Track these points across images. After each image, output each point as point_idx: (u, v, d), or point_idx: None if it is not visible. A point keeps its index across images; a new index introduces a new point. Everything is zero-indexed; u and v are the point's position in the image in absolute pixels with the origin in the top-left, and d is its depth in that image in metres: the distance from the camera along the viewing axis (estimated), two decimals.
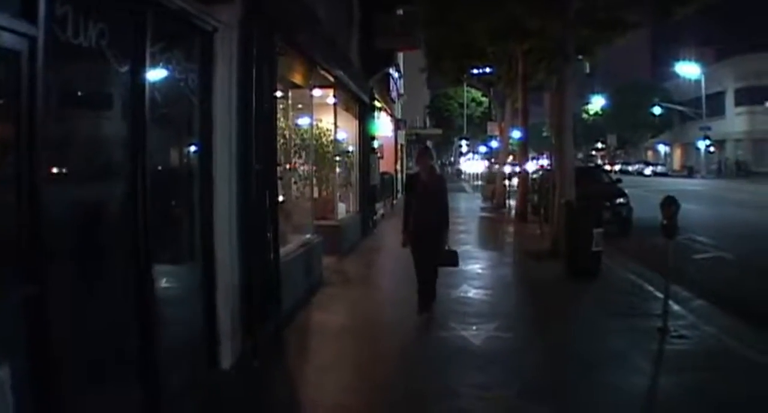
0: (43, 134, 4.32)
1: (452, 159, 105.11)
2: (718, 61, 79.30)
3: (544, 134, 67.80)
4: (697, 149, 76.23)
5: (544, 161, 57.54)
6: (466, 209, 31.90)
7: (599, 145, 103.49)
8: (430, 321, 10.16)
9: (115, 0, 5.60)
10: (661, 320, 9.42)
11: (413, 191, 10.61)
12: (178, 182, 7.41)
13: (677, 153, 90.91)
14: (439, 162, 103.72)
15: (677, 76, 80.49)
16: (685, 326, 9.57)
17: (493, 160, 46.18)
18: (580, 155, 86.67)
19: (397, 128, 36.98)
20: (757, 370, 7.89)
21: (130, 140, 5.83)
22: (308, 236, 13.07)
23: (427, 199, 10.38)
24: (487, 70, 35.44)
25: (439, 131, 65.28)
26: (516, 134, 33.55)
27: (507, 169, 34.34)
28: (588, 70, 29.30)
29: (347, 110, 19.46)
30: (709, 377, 7.62)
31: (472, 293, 12.22)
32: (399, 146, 40.83)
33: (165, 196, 6.95)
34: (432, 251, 10.43)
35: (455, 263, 10.97)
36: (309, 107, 13.96)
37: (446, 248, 10.70)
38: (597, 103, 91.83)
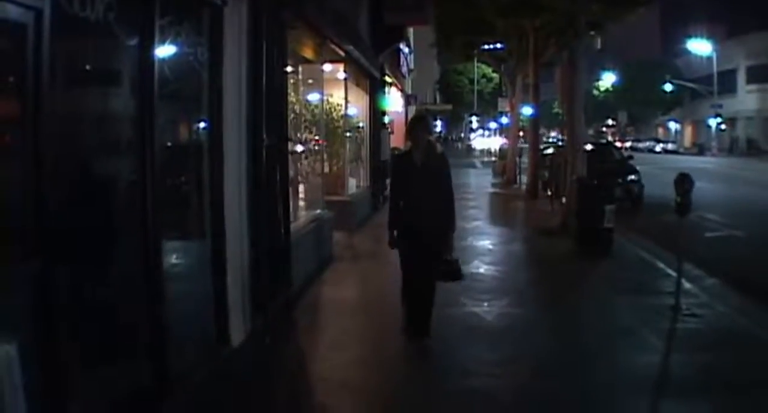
0: (48, 109, 4.24)
1: (462, 135, 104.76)
2: (730, 38, 78.59)
3: (555, 110, 67.57)
4: (708, 126, 75.76)
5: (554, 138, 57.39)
6: (476, 185, 31.87)
7: (610, 122, 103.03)
8: (428, 351, 7.92)
9: None
10: (674, 298, 9.36)
11: (403, 178, 7.99)
12: (187, 158, 7.35)
13: (688, 131, 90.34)
14: (449, 137, 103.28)
15: (688, 53, 79.84)
16: (697, 304, 9.52)
17: (505, 136, 45.98)
18: (590, 132, 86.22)
19: (407, 103, 36.88)
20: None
21: (139, 115, 5.75)
22: (319, 211, 13.04)
23: (423, 189, 7.68)
24: (498, 46, 35.19)
25: (449, 107, 65.13)
26: (527, 110, 33.42)
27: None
28: (599, 47, 29.11)
29: (358, 85, 19.36)
30: (721, 356, 7.58)
31: (483, 269, 12.17)
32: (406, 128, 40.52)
33: (174, 172, 6.90)
34: (427, 262, 7.80)
35: (458, 277, 8.13)
36: (319, 82, 13.88)
37: (447, 258, 7.99)
38: (608, 79, 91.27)
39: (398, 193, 8.07)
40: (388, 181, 24.27)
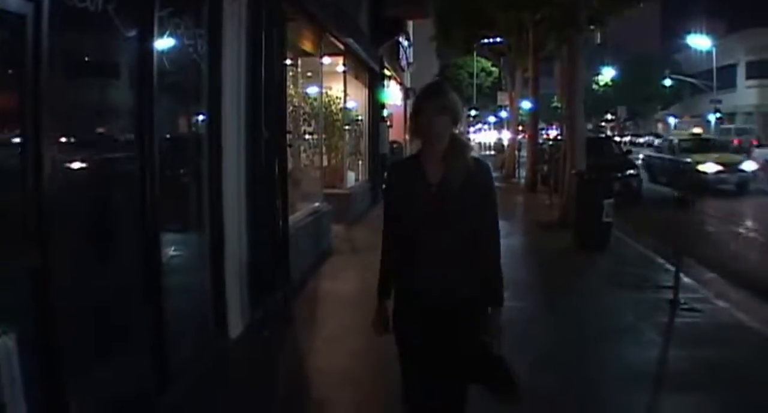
0: (47, 100, 4.23)
1: (461, 128, 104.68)
2: (730, 33, 78.47)
3: (554, 104, 67.51)
4: (708, 121, 75.76)
5: (553, 132, 57.34)
6: None
7: (609, 116, 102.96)
8: None
9: None
10: (672, 292, 9.36)
11: (406, 206, 4.27)
12: (186, 150, 7.35)
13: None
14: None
15: (688, 48, 79.74)
16: (696, 299, 9.51)
17: (502, 130, 46.08)
18: (589, 126, 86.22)
19: (406, 96, 36.77)
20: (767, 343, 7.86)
21: (137, 107, 5.74)
22: (317, 204, 13.03)
23: (442, 227, 4.15)
24: (498, 39, 35.16)
25: None
26: (526, 104, 33.43)
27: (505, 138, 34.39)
28: (599, 41, 29.12)
29: (357, 78, 19.35)
30: (720, 350, 7.58)
31: None
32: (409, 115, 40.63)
33: (173, 164, 6.89)
34: (452, 356, 4.22)
35: (510, 389, 4.37)
36: (318, 75, 13.87)
37: (488, 348, 4.32)
38: (607, 74, 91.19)
39: (396, 232, 4.29)
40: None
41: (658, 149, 31.01)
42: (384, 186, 5.05)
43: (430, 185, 4.15)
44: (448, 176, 4.14)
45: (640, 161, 24.61)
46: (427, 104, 4.13)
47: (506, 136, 35.21)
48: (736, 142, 41.85)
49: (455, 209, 4.14)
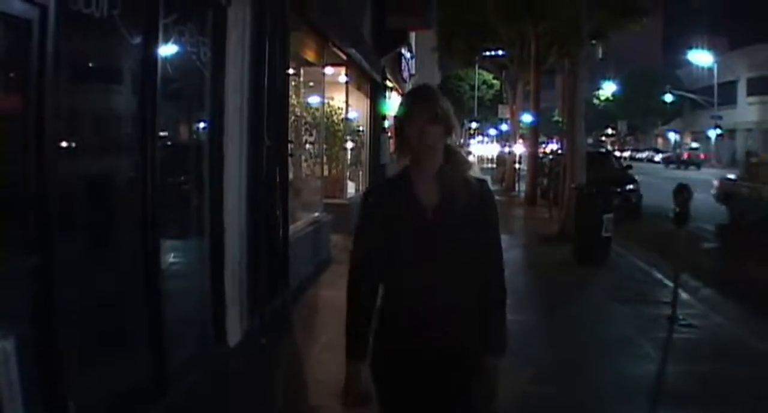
0: (52, 105, 4.25)
1: (462, 141, 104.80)
2: (731, 50, 78.69)
3: (555, 118, 67.66)
4: (708, 137, 75.92)
5: (554, 146, 57.45)
6: None
7: (609, 131, 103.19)
8: None
9: None
10: (671, 308, 9.37)
11: (388, 233, 3.41)
12: (188, 157, 7.36)
13: (687, 141, 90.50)
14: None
15: (689, 63, 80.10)
16: (694, 315, 9.52)
17: (505, 143, 46.15)
18: (590, 141, 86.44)
19: None
20: (765, 360, 7.87)
21: (141, 113, 5.76)
22: (317, 214, 13.04)
23: (436, 259, 3.38)
24: (500, 52, 35.27)
25: None
26: (527, 117, 33.51)
27: (518, 151, 34.31)
28: (601, 55, 29.18)
29: (359, 88, 19.37)
30: (717, 366, 7.58)
31: None
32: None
33: (175, 170, 6.91)
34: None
35: None
36: (321, 85, 13.88)
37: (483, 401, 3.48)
38: (608, 88, 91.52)
39: (374, 272, 3.47)
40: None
41: (738, 177, 21.74)
42: (361, 214, 3.55)
43: (424, 209, 3.37)
44: (447, 198, 3.38)
45: (714, 191, 22.09)
46: (416, 111, 3.40)
47: (518, 149, 34.97)
48: None
49: (456, 239, 3.36)
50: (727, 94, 74.73)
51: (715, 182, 22.04)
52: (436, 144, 3.40)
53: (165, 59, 6.08)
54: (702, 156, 70.02)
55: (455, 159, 3.52)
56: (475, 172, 3.15)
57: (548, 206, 21.01)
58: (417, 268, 3.35)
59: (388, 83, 25.12)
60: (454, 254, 3.35)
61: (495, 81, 60.30)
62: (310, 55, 12.47)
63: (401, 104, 3.53)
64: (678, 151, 78.79)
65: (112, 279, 5.55)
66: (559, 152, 28.88)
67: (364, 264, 3.45)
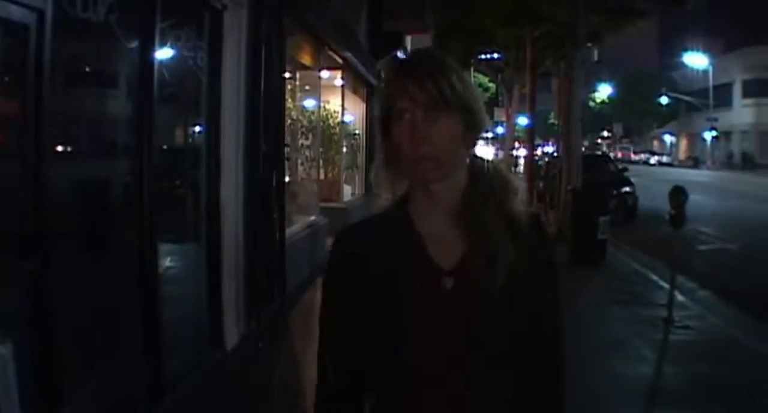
0: (49, 110, 4.25)
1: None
2: (727, 52, 78.69)
3: (550, 120, 67.69)
4: (703, 139, 75.99)
5: (549, 148, 57.44)
6: None
7: (605, 133, 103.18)
8: None
9: None
10: (666, 310, 9.38)
11: (378, 315, 1.86)
12: (184, 161, 7.37)
13: (683, 143, 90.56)
14: None
15: (685, 66, 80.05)
16: (690, 316, 9.53)
17: (500, 146, 46.24)
18: (585, 143, 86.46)
19: None
20: (761, 362, 7.87)
21: (137, 118, 5.76)
22: (314, 217, 13.03)
23: (460, 354, 1.80)
24: (495, 55, 35.27)
25: None
26: (522, 120, 33.53)
27: (515, 153, 34.39)
28: (596, 58, 29.17)
29: (355, 92, 19.36)
30: (713, 368, 7.59)
31: None
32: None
33: (171, 175, 6.92)
34: None
35: None
36: (317, 89, 13.89)
37: None
38: (604, 91, 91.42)
39: (353, 381, 1.95)
40: None
41: None
42: (326, 288, 2.27)
43: (437, 273, 1.87)
44: (476, 251, 1.88)
45: None
46: (404, 92, 1.80)
47: (521, 152, 35.04)
48: None
49: (494, 325, 1.86)
50: (722, 96, 74.71)
51: None
52: (446, 151, 1.82)
53: (161, 64, 6.09)
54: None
55: (489, 180, 1.96)
56: (522, 200, 1.87)
57: (544, 209, 21.00)
58: (428, 379, 1.84)
59: None
60: (490, 351, 1.85)
61: (491, 84, 60.24)
62: (306, 59, 12.47)
63: (386, 80, 1.97)
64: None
65: (109, 284, 5.54)
66: (555, 154, 28.91)
67: (339, 384, 2.00)
